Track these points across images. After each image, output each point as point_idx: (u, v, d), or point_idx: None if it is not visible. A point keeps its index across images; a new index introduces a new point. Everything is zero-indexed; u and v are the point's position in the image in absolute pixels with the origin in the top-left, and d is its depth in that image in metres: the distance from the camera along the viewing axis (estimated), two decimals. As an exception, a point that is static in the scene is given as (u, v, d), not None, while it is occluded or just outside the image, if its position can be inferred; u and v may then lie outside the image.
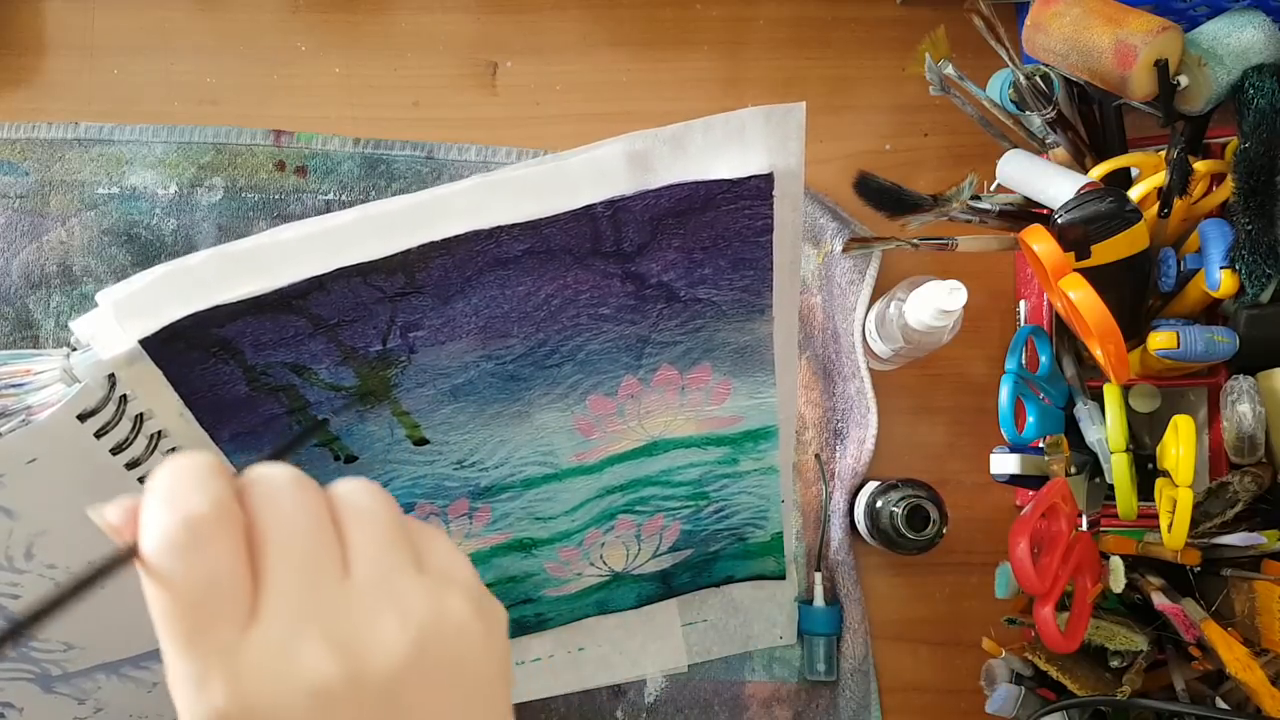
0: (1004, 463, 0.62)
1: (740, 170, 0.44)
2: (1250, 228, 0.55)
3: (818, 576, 0.70)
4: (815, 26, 0.75)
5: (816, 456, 0.71)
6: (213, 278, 0.44)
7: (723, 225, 0.47)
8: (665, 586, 0.70)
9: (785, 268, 0.50)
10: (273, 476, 0.30)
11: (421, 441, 0.56)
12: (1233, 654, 0.53)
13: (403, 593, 0.29)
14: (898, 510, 0.64)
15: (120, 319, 0.45)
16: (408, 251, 0.45)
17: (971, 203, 0.59)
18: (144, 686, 0.61)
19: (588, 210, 0.45)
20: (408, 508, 0.60)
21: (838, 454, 0.71)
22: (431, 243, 0.45)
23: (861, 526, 0.68)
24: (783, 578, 0.70)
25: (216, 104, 0.73)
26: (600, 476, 0.61)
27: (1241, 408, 0.56)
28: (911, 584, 0.71)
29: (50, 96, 0.73)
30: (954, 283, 0.60)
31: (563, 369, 0.53)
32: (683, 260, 0.49)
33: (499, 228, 0.45)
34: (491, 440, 0.56)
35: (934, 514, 0.64)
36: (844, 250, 0.68)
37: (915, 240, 0.61)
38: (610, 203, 0.45)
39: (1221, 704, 0.56)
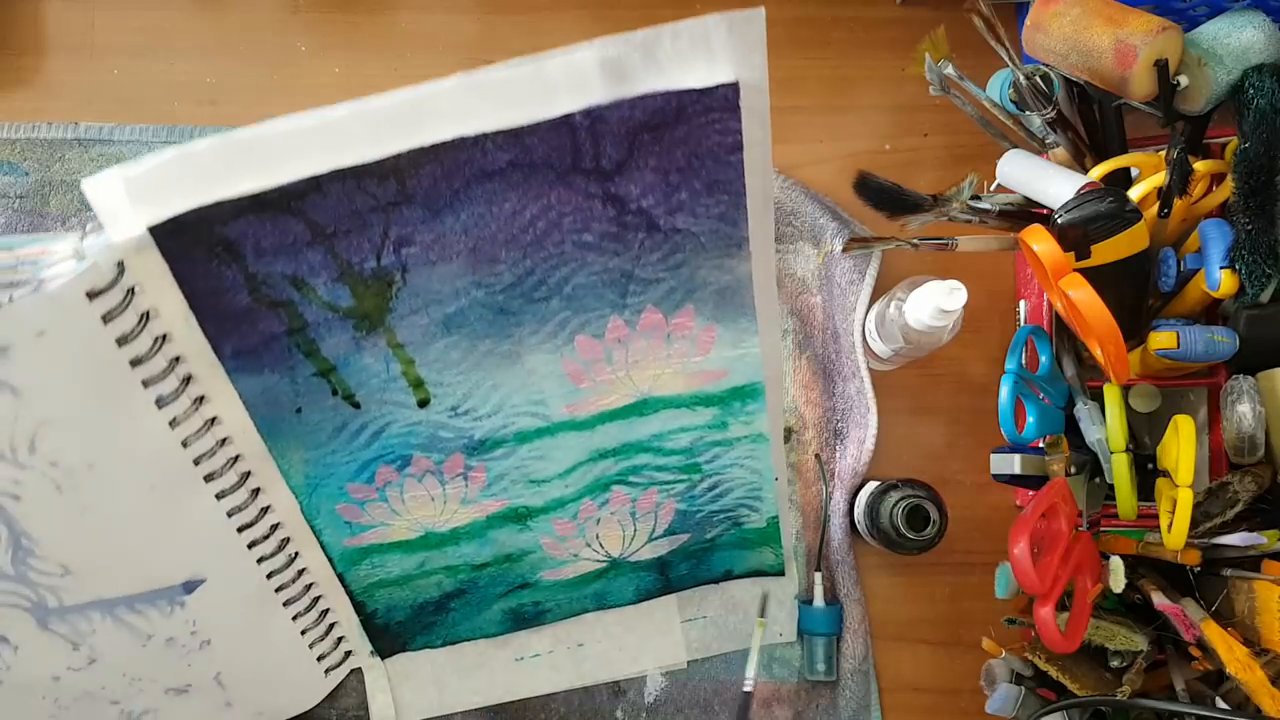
0: (1004, 463, 0.62)
1: (708, 81, 0.47)
2: (1250, 228, 0.55)
3: (818, 576, 0.70)
4: (815, 26, 0.75)
5: (816, 456, 0.71)
6: (217, 166, 0.47)
7: (695, 141, 0.50)
8: (663, 579, 0.70)
9: (758, 195, 0.52)
10: None
11: (417, 383, 0.57)
12: (1233, 654, 0.54)
13: None
14: (898, 510, 0.64)
15: (131, 198, 0.48)
16: (398, 156, 0.48)
17: (971, 203, 0.59)
18: (139, 638, 0.61)
19: (567, 120, 0.48)
20: (404, 461, 0.61)
21: (838, 454, 0.71)
22: (421, 148, 0.48)
23: (861, 526, 0.68)
24: (781, 573, 0.71)
25: (216, 104, 0.73)
26: (592, 435, 0.62)
27: (1241, 408, 0.56)
28: (911, 584, 0.71)
29: (50, 96, 0.73)
30: (954, 283, 0.60)
31: (550, 303, 0.55)
32: (660, 183, 0.51)
33: (484, 135, 0.48)
34: (484, 384, 0.58)
35: (934, 514, 0.64)
36: (844, 250, 0.68)
37: (915, 240, 0.61)
38: (588, 112, 0.48)
39: (1221, 704, 0.56)
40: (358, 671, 0.70)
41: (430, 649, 0.70)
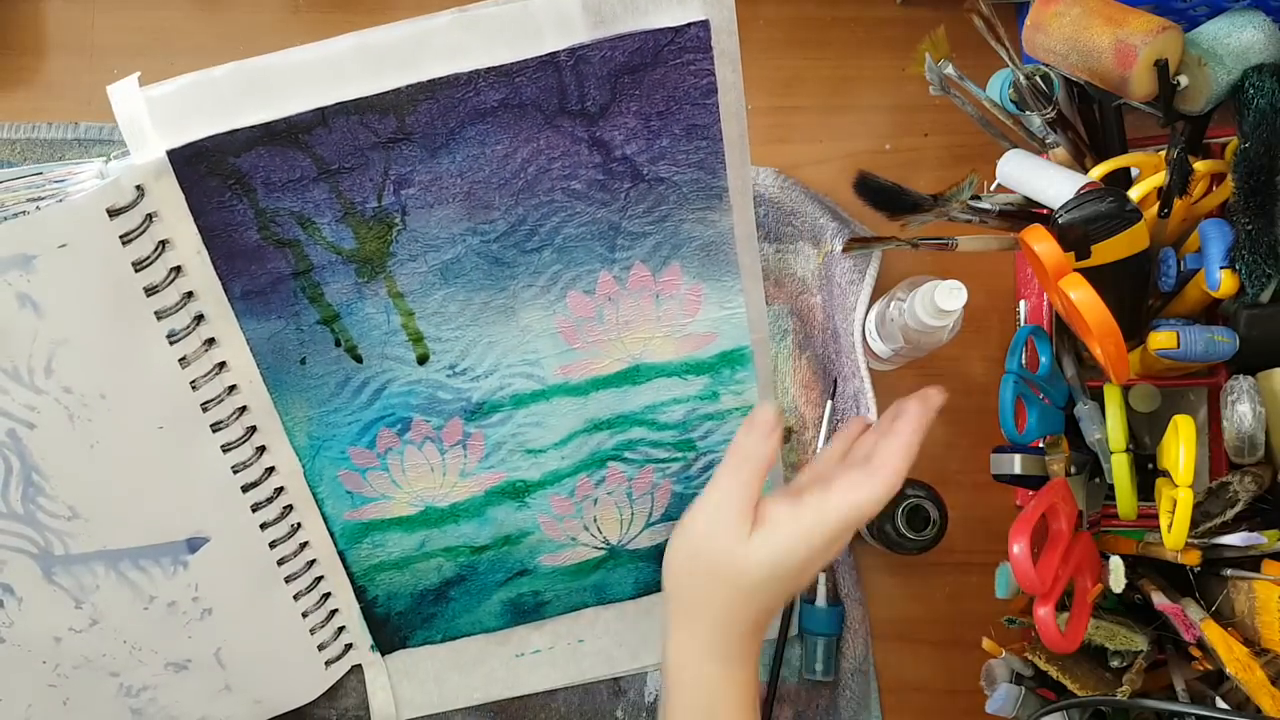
0: (1004, 463, 0.62)
1: (680, 19, 0.53)
2: (1250, 228, 0.55)
3: (821, 577, 0.70)
4: (814, 26, 0.75)
5: None
6: (232, 93, 0.52)
7: (672, 84, 0.55)
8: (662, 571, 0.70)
9: (735, 143, 0.57)
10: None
11: (417, 337, 0.60)
12: (1233, 654, 0.54)
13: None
14: (898, 510, 0.64)
15: (154, 120, 0.52)
16: (397, 91, 0.53)
17: (971, 203, 0.59)
18: (141, 598, 0.62)
19: (553, 59, 0.53)
20: (404, 424, 0.63)
21: (838, 454, 0.71)
22: (418, 84, 0.52)
23: (861, 527, 0.68)
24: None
25: (216, 104, 0.73)
26: (586, 402, 0.64)
27: (1241, 408, 0.56)
28: (911, 584, 0.71)
29: (50, 96, 0.73)
30: (954, 283, 0.60)
31: (542, 254, 0.59)
32: (642, 129, 0.56)
33: (476, 72, 0.53)
34: (481, 341, 0.61)
35: (934, 514, 0.64)
36: (844, 250, 0.68)
37: (915, 240, 0.61)
38: (572, 51, 0.53)
39: (1221, 704, 0.56)
40: (358, 670, 0.70)
41: (430, 645, 0.70)
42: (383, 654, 0.70)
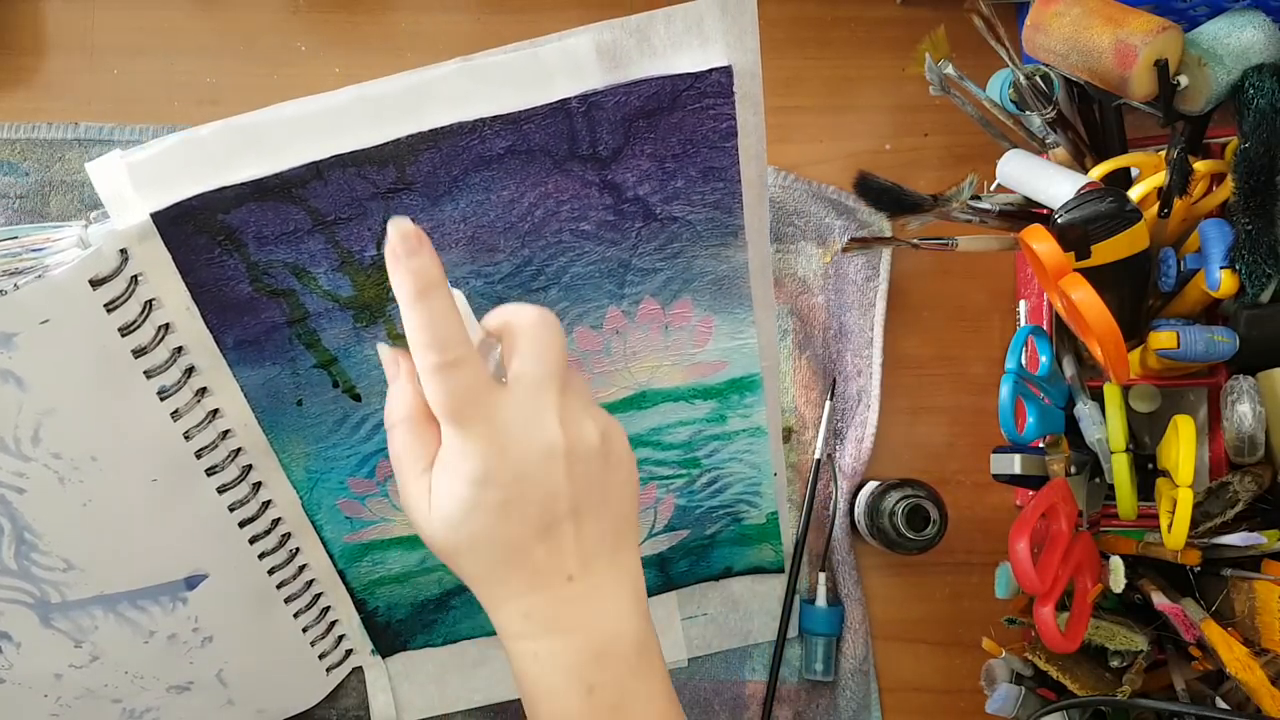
0: (1004, 463, 0.62)
1: (702, 64, 0.49)
2: (1250, 228, 0.55)
3: (822, 577, 0.70)
4: (815, 26, 0.75)
5: (829, 457, 0.71)
6: (220, 152, 0.49)
7: (690, 128, 0.51)
8: (664, 576, 0.70)
9: (753, 183, 0.54)
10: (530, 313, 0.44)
11: None
12: (1233, 654, 0.54)
13: (589, 411, 0.44)
14: (898, 510, 0.64)
15: (135, 184, 0.49)
16: (397, 141, 0.49)
17: (971, 203, 0.59)
18: (141, 634, 0.61)
19: (563, 105, 0.49)
20: None
21: (837, 454, 0.71)
22: (419, 133, 0.49)
23: (861, 526, 0.68)
24: (781, 570, 0.71)
25: (216, 104, 0.73)
26: None
27: (1241, 408, 0.56)
28: (911, 584, 0.71)
29: (50, 96, 0.73)
30: None
31: (548, 293, 0.56)
32: (656, 170, 0.53)
33: (481, 120, 0.49)
34: None
35: (934, 514, 0.64)
36: (843, 250, 0.68)
37: (915, 240, 0.61)
38: (584, 98, 0.49)
39: (1221, 704, 0.56)
40: (358, 671, 0.70)
41: (431, 647, 0.70)
42: (383, 657, 0.70)
